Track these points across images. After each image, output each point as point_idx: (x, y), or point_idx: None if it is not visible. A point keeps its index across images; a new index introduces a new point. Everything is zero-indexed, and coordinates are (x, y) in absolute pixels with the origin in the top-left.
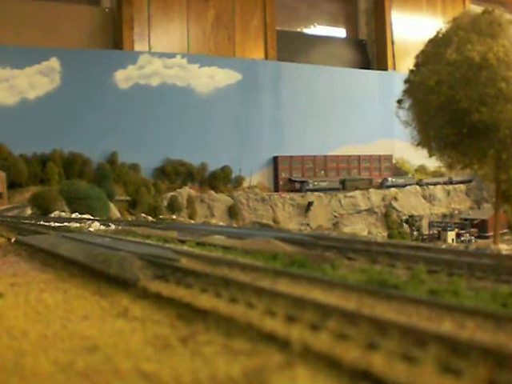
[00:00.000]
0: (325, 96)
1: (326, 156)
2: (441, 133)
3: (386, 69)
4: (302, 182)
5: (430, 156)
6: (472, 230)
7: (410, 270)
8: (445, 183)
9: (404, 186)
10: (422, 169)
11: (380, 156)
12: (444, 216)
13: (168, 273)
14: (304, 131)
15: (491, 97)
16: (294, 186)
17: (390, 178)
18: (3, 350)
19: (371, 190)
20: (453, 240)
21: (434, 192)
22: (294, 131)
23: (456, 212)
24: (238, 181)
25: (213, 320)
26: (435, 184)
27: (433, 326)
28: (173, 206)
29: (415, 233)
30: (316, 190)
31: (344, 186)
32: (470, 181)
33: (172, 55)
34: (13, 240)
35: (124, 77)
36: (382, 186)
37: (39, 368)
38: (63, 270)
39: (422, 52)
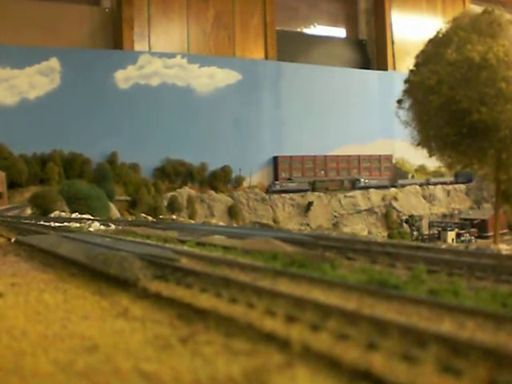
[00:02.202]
0: (325, 96)
1: (326, 156)
2: (441, 133)
3: (386, 69)
4: (272, 183)
5: (430, 156)
6: (472, 230)
7: (410, 270)
8: (421, 185)
9: (377, 187)
10: (422, 169)
11: (380, 156)
12: (444, 216)
13: (168, 273)
14: (304, 131)
15: (491, 97)
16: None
17: (362, 179)
18: (3, 350)
19: (371, 190)
20: (453, 240)
21: (434, 192)
22: (294, 131)
23: (456, 212)
24: (238, 181)
25: (213, 320)
26: (411, 184)
27: (433, 326)
28: (173, 206)
29: (415, 233)
30: (283, 192)
31: (314, 187)
32: (451, 182)
33: (172, 55)
34: (13, 240)
35: (124, 77)
36: (353, 187)
37: (39, 368)
38: (63, 269)
39: (422, 52)
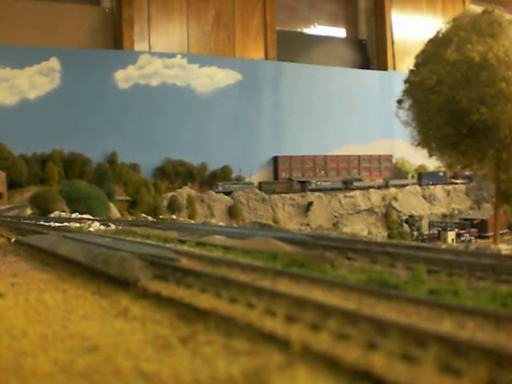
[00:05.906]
0: (325, 96)
1: (326, 156)
2: (441, 133)
3: (386, 69)
4: (215, 184)
5: (430, 156)
6: (472, 230)
7: (410, 270)
8: (379, 187)
9: (331, 189)
10: (422, 169)
11: (380, 156)
12: (444, 216)
13: (168, 273)
14: (304, 131)
15: (491, 97)
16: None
17: (313, 181)
18: (3, 350)
19: (371, 190)
20: (453, 240)
21: (433, 192)
22: (294, 131)
23: (456, 212)
24: (239, 181)
25: (213, 320)
26: (367, 188)
27: (433, 326)
28: (173, 206)
29: (415, 233)
30: (228, 194)
31: (259, 189)
32: (413, 184)
33: (172, 55)
34: (13, 240)
35: (124, 77)
36: (303, 190)
37: (39, 368)
38: (63, 270)
39: (422, 52)
